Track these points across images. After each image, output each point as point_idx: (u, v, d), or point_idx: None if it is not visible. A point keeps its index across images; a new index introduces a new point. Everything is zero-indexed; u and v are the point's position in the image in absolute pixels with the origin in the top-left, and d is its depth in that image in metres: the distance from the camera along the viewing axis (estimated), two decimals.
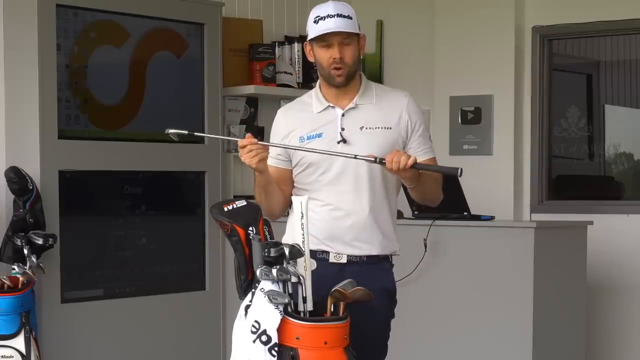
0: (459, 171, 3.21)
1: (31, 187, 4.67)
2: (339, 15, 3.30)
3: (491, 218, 5.16)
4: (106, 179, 5.24)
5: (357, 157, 3.27)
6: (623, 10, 5.94)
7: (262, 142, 3.31)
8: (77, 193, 5.08)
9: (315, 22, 3.33)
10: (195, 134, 3.55)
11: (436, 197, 3.53)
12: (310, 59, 3.44)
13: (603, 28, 6.07)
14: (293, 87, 6.02)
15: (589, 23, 6.06)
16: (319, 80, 3.49)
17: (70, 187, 4.99)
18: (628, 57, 6.31)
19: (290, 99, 5.50)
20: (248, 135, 3.31)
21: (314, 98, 3.47)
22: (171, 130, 3.41)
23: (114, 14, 5.22)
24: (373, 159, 3.25)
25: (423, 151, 3.44)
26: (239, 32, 5.90)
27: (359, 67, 3.43)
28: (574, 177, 6.57)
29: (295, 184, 3.49)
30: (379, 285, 3.37)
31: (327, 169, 3.37)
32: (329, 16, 3.31)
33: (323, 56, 3.36)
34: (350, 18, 3.33)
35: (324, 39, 3.33)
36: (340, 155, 3.31)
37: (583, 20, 6.06)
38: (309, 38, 3.39)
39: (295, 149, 3.39)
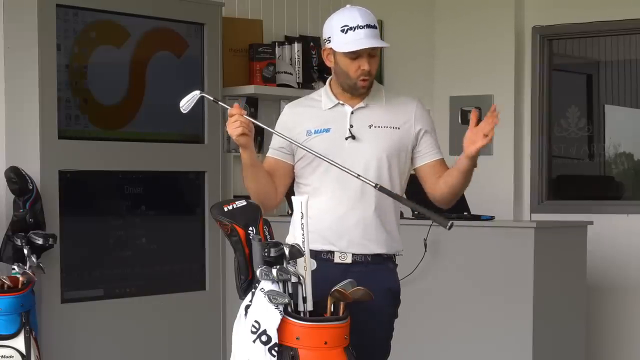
0: (449, 225, 3.21)
1: (31, 187, 4.67)
2: (368, 26, 3.29)
3: (491, 218, 5.16)
4: (106, 179, 5.24)
5: (360, 177, 3.27)
6: (623, 10, 5.94)
7: (253, 120, 3.31)
8: (77, 193, 5.08)
9: (343, 31, 3.29)
10: (220, 103, 3.54)
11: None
12: (329, 64, 3.42)
13: (603, 28, 6.07)
14: (293, 87, 6.02)
15: (589, 23, 6.06)
16: (328, 79, 3.49)
17: (70, 187, 4.99)
18: (628, 57, 6.32)
19: (290, 99, 5.48)
20: (236, 105, 3.33)
21: (323, 95, 3.47)
22: (204, 95, 3.40)
23: (114, 14, 5.22)
24: (374, 185, 3.27)
25: (433, 153, 3.47)
26: (239, 32, 5.90)
27: None
28: (574, 177, 6.57)
29: (297, 180, 3.48)
30: (383, 285, 3.37)
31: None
32: (359, 27, 3.28)
33: (350, 67, 3.33)
34: (376, 27, 3.32)
35: (354, 51, 3.31)
36: (339, 167, 3.29)
37: (583, 20, 6.06)
38: (339, 49, 3.32)
39: (279, 135, 3.38)
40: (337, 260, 3.39)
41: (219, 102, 3.51)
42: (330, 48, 3.36)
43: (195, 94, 3.39)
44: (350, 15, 3.31)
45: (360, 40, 3.28)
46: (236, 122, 3.25)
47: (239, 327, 3.16)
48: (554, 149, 6.30)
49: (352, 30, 3.28)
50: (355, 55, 3.30)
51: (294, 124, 3.45)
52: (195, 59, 5.53)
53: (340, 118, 3.41)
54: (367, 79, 3.35)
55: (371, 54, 3.32)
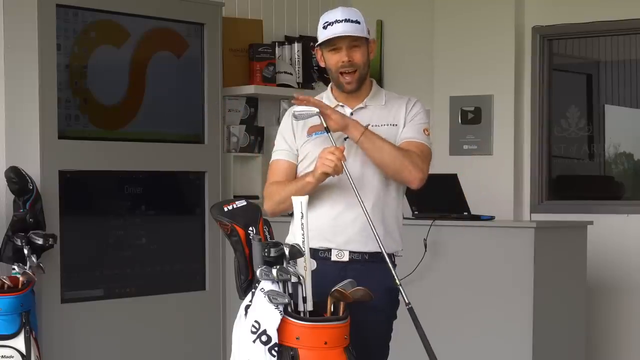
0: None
1: (31, 187, 4.67)
2: (346, 21, 3.37)
3: (491, 218, 5.16)
4: (106, 179, 5.24)
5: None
6: (623, 10, 5.94)
7: (346, 168, 3.27)
8: (77, 193, 5.08)
9: (324, 27, 3.39)
10: (329, 134, 3.38)
11: (394, 170, 3.42)
12: (322, 64, 3.50)
13: (603, 28, 6.07)
14: (293, 87, 6.02)
15: (589, 23, 6.06)
16: (331, 82, 3.53)
17: (70, 187, 4.99)
18: (628, 57, 6.31)
19: (290, 99, 5.49)
20: (342, 147, 3.31)
21: (324, 98, 3.52)
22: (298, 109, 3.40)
23: (114, 14, 5.23)
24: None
25: (408, 139, 3.43)
26: (239, 32, 5.90)
27: (369, 71, 3.47)
28: (574, 177, 6.57)
29: None
30: (381, 284, 3.37)
31: None
32: (337, 21, 3.37)
33: (332, 61, 3.41)
34: (358, 23, 3.38)
35: (332, 44, 3.39)
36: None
37: (583, 20, 6.06)
38: (317, 43, 3.45)
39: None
40: (334, 258, 3.39)
41: (329, 133, 3.36)
42: (319, 48, 3.44)
43: (313, 111, 3.36)
44: (332, 13, 3.40)
45: (336, 31, 3.35)
46: (332, 162, 3.24)
47: (239, 327, 3.17)
48: (554, 149, 6.30)
49: (331, 25, 3.37)
50: (334, 48, 3.37)
51: (296, 125, 3.48)
52: (195, 59, 5.53)
53: None
54: (348, 72, 3.38)
55: (352, 45, 3.37)
